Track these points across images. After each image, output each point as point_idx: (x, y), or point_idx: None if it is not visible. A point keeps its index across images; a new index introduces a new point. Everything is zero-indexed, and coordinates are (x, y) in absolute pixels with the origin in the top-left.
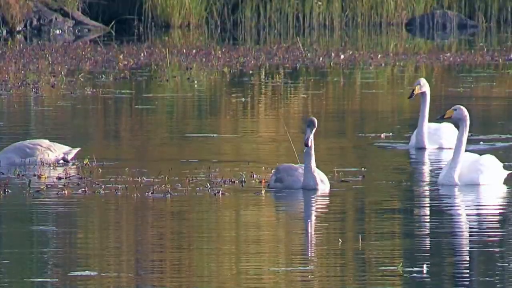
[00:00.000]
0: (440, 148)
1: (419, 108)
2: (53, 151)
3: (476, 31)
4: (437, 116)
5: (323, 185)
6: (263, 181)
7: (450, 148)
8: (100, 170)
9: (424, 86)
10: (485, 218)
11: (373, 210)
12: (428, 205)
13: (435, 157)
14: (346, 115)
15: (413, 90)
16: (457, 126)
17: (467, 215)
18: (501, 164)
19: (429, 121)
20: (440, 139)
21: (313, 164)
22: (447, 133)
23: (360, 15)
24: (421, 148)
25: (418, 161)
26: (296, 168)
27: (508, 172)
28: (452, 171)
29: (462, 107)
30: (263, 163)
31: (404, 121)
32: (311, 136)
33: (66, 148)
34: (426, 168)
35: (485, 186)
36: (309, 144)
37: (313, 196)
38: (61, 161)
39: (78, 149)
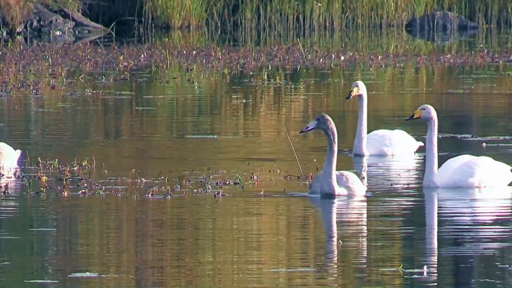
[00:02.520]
0: (381, 156)
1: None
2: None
3: (476, 33)
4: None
5: (347, 190)
6: (256, 183)
7: (392, 155)
8: (100, 172)
9: (362, 89)
10: (485, 220)
11: (373, 211)
12: (427, 207)
13: (373, 164)
14: (347, 116)
15: (351, 91)
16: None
17: (467, 216)
18: (505, 166)
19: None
20: (381, 146)
21: (333, 170)
22: (391, 140)
23: (360, 16)
24: (359, 155)
25: (414, 165)
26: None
27: None
28: (429, 174)
29: (430, 106)
30: (263, 165)
31: (404, 122)
32: (310, 128)
33: (15, 153)
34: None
35: (484, 188)
36: (303, 131)
37: (313, 198)
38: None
39: (19, 151)
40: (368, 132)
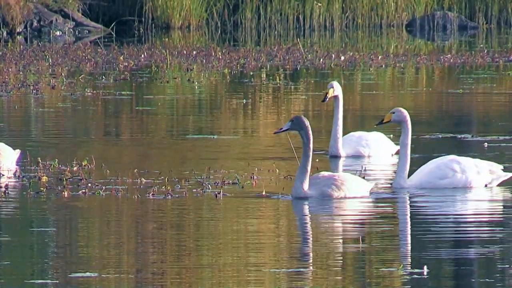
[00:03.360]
0: (358, 157)
1: (420, 108)
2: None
3: (476, 33)
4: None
5: (321, 194)
6: (255, 182)
7: (369, 157)
8: (101, 172)
9: (337, 89)
10: (485, 220)
11: (372, 211)
12: (425, 207)
13: (349, 166)
14: (346, 116)
15: (326, 93)
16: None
17: (466, 217)
18: (497, 166)
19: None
20: (358, 147)
21: (306, 173)
22: (368, 141)
23: (360, 16)
24: (335, 156)
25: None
26: (315, 177)
27: (508, 174)
28: (398, 177)
29: (401, 109)
30: (263, 164)
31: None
32: (284, 129)
33: (14, 153)
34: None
35: (482, 189)
36: (276, 132)
37: (313, 198)
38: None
39: (18, 151)
40: (347, 133)
